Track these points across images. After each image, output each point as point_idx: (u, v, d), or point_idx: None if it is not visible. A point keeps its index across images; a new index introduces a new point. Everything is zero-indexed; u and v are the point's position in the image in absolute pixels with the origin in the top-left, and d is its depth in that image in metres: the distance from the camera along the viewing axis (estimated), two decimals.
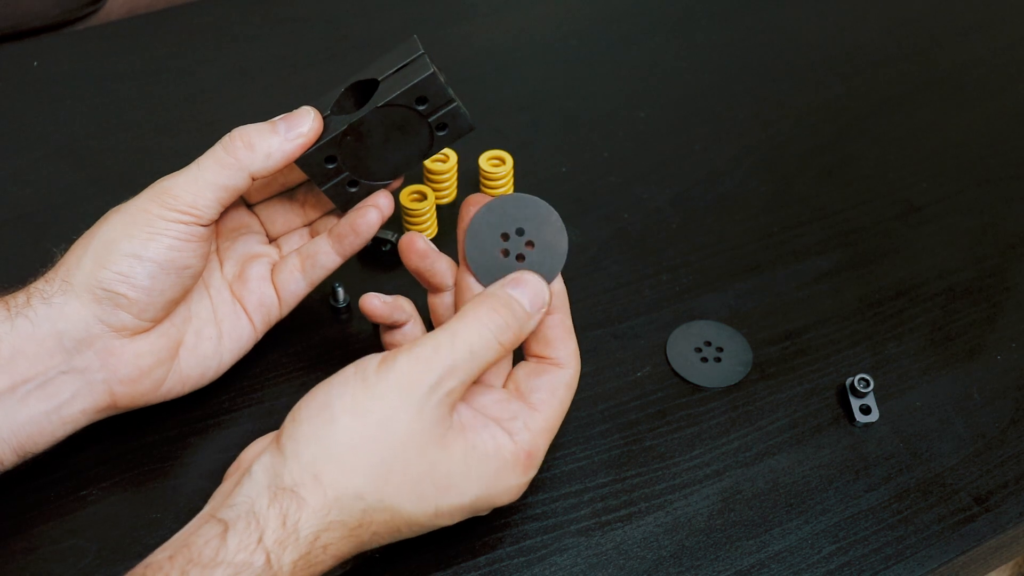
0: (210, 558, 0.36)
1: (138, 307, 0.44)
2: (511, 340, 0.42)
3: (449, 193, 0.64)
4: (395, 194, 0.61)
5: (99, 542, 0.46)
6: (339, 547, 0.39)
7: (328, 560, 0.39)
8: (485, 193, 0.64)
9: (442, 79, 0.46)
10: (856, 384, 0.51)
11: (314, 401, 0.40)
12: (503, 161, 0.64)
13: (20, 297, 0.44)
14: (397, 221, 0.62)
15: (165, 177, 0.46)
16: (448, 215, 0.64)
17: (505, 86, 0.76)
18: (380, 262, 0.60)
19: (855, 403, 0.52)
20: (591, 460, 0.50)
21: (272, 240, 0.53)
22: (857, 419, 0.51)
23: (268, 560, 0.36)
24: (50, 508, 0.47)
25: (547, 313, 0.44)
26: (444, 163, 0.63)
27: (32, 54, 0.78)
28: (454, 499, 0.40)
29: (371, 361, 0.40)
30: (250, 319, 0.50)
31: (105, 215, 0.46)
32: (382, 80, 0.47)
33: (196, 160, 0.46)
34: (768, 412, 0.52)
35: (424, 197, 0.61)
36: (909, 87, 0.76)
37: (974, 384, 0.54)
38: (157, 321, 0.46)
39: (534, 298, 0.43)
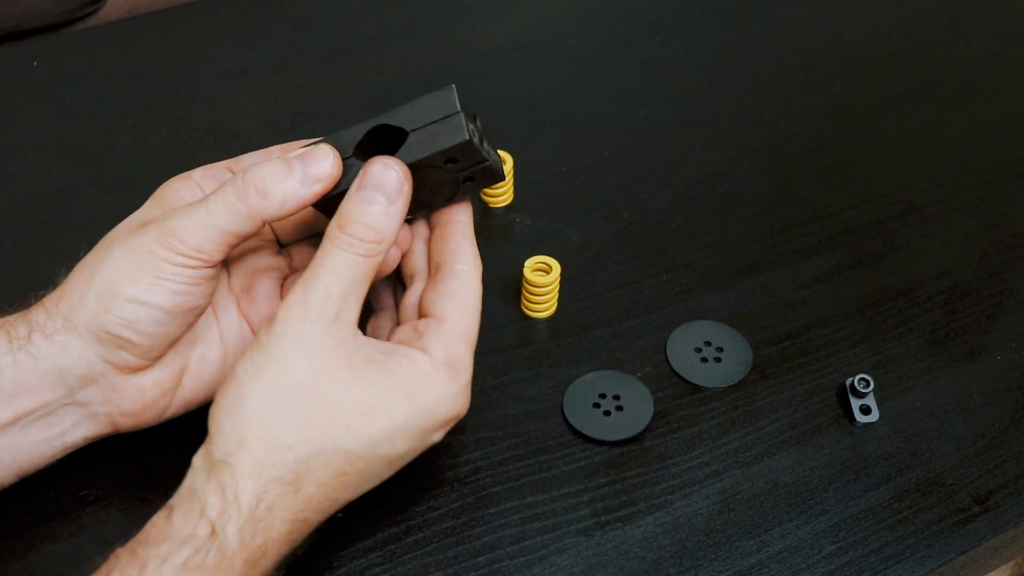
0: (156, 536, 0.37)
1: (142, 350, 0.43)
2: (370, 241, 0.41)
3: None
4: None
5: (99, 542, 0.46)
6: (284, 506, 0.39)
7: (277, 523, 0.39)
8: (485, 195, 0.64)
9: (477, 140, 0.42)
10: (856, 384, 0.51)
11: (226, 382, 0.41)
12: (503, 161, 0.64)
13: (21, 328, 0.43)
14: None
15: (171, 213, 0.42)
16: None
17: (505, 86, 0.76)
18: None
19: (855, 403, 0.52)
20: (591, 460, 0.50)
21: (282, 247, 0.51)
22: (857, 419, 0.51)
23: (213, 530, 0.37)
24: (50, 508, 0.47)
25: (437, 225, 0.45)
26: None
27: (32, 54, 0.78)
28: (383, 421, 0.40)
29: (261, 329, 0.42)
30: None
31: (107, 242, 0.43)
32: (411, 132, 0.43)
33: (205, 198, 0.42)
34: (768, 412, 0.52)
35: None
36: (909, 87, 0.76)
37: (974, 384, 0.54)
38: (161, 357, 0.45)
39: (380, 186, 0.41)
